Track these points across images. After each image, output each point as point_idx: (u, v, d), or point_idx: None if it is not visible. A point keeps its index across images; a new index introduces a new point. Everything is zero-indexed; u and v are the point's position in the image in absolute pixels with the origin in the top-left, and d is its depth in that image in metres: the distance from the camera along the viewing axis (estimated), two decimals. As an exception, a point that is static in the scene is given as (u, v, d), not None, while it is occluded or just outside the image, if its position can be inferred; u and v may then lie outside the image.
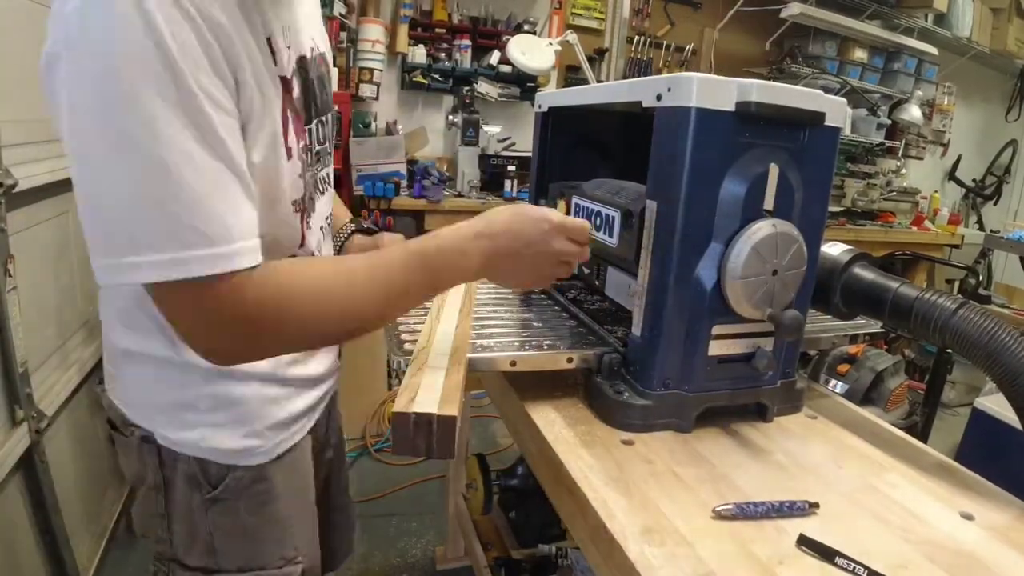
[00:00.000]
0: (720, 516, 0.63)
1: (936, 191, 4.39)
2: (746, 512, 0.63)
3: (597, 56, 3.43)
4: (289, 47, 0.67)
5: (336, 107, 0.95)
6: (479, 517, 1.56)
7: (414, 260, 0.65)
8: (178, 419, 0.71)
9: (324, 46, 0.80)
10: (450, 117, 3.08)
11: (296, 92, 0.68)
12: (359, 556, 1.92)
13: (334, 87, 2.71)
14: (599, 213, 0.93)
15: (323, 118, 0.78)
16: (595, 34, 3.47)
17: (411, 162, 2.98)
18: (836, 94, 0.82)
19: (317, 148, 0.76)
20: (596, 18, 3.47)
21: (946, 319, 0.72)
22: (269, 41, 0.62)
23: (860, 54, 3.73)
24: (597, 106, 1.01)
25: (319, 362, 0.83)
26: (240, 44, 0.56)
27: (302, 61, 0.70)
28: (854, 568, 0.57)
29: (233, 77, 0.55)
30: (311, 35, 0.74)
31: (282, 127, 0.64)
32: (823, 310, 0.88)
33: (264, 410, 0.74)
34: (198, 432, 0.71)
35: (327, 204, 0.83)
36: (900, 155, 4.04)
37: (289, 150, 0.65)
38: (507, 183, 2.93)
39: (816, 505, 0.65)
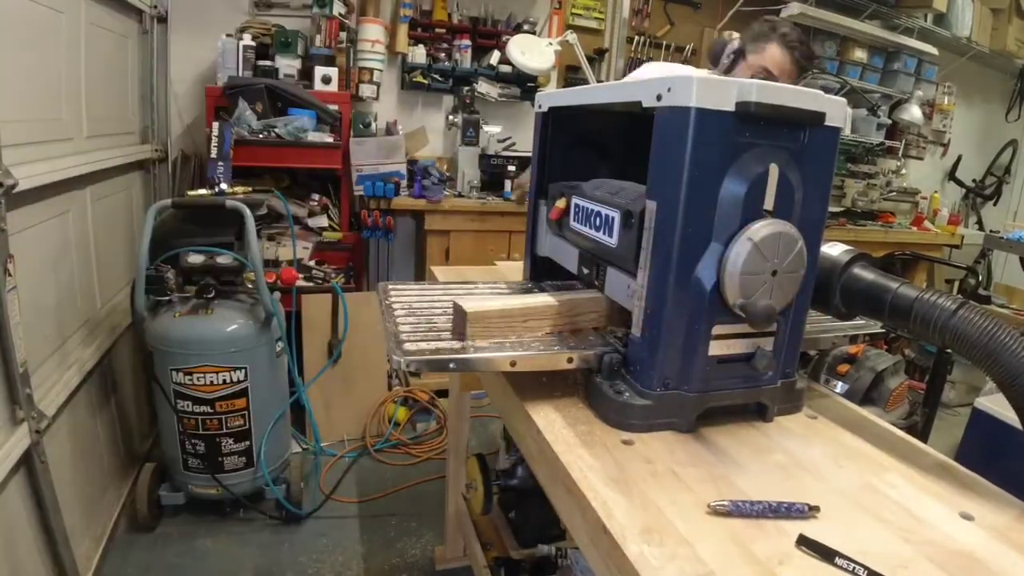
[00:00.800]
0: (715, 512, 0.63)
1: (936, 191, 4.39)
2: (741, 510, 0.63)
3: (597, 56, 3.43)
4: None
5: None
6: (479, 517, 1.56)
7: None
8: None
9: None
10: (450, 117, 3.08)
11: None
12: (359, 556, 1.92)
13: (333, 87, 2.72)
14: (599, 213, 0.93)
15: None
16: (595, 34, 3.47)
17: (411, 162, 2.98)
18: (836, 94, 0.82)
19: None
20: (596, 18, 3.47)
21: (946, 319, 0.72)
22: None
23: (860, 54, 3.72)
24: (597, 106, 1.01)
25: None
26: None
27: None
28: (854, 568, 0.57)
29: None
30: None
31: None
32: (823, 310, 0.88)
33: None
34: None
35: None
36: (900, 155, 4.04)
37: None
38: (507, 183, 2.93)
39: (816, 508, 0.65)
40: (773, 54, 1.69)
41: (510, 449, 1.65)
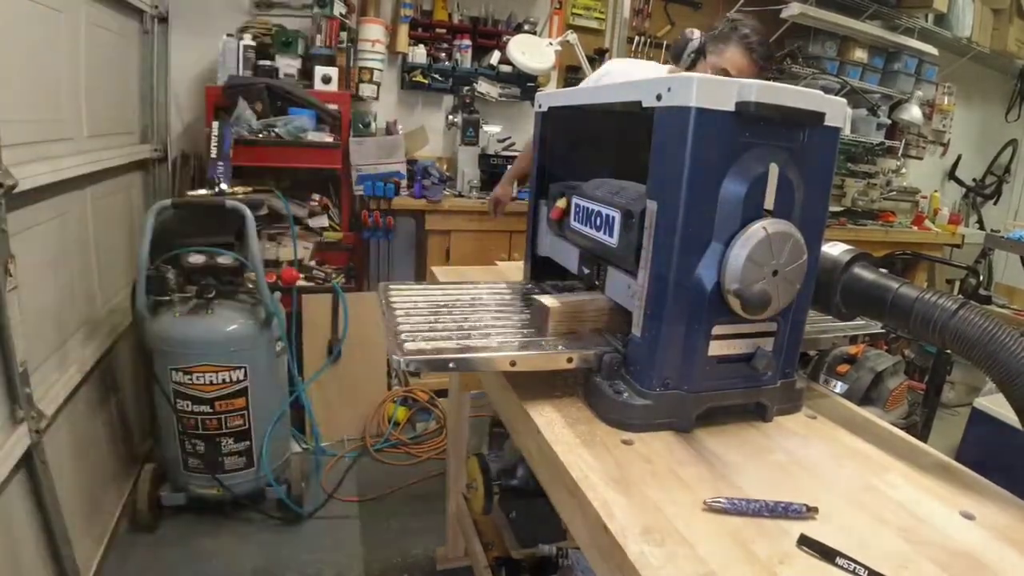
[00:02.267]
0: (711, 509, 0.63)
1: (936, 191, 4.38)
2: (738, 508, 0.63)
3: (597, 56, 3.43)
4: None
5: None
6: (479, 517, 1.56)
7: None
8: None
9: None
10: (450, 117, 3.08)
11: None
12: (360, 556, 1.92)
13: (333, 87, 2.72)
14: (599, 213, 0.93)
15: None
16: (595, 34, 3.47)
17: (411, 162, 2.98)
18: (836, 94, 0.82)
19: None
20: (596, 18, 3.46)
21: (946, 320, 0.72)
22: None
23: (860, 54, 3.72)
24: (597, 106, 1.01)
25: None
26: None
27: None
28: (854, 568, 0.57)
29: None
30: None
31: None
32: (823, 310, 0.88)
33: None
34: None
35: None
36: (900, 155, 4.04)
37: None
38: (507, 183, 2.93)
39: (815, 509, 0.65)
40: (732, 56, 1.68)
41: (493, 445, 1.65)
